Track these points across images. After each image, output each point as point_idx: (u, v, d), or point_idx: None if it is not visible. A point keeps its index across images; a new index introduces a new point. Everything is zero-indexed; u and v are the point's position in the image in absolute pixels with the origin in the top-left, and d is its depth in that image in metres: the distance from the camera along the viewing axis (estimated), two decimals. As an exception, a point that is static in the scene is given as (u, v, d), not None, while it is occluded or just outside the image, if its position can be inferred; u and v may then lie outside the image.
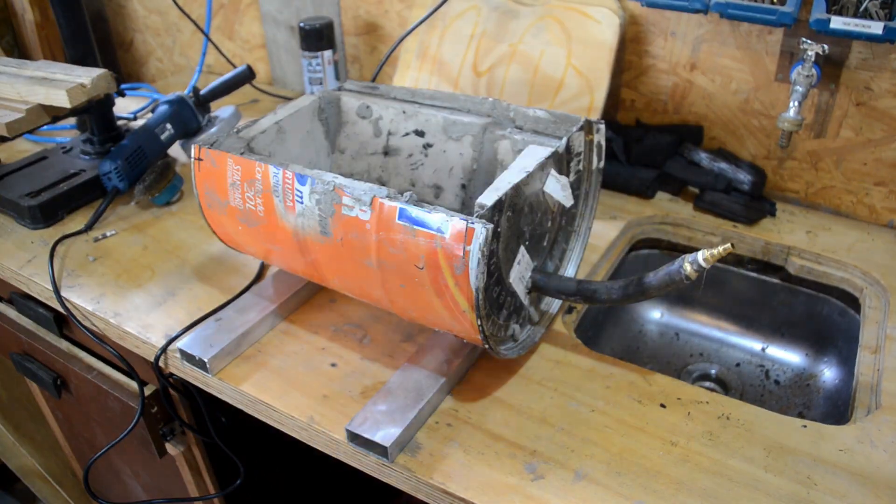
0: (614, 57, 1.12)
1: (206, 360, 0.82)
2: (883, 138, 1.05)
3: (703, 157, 1.16)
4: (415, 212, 0.68)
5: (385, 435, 0.72)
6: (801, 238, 1.08)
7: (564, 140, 0.82)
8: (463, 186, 0.97)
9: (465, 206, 0.97)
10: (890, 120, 1.03)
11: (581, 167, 0.89)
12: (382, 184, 1.00)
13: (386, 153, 1.01)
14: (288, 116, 0.94)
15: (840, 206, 1.13)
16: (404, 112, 0.97)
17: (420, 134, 0.97)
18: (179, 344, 0.85)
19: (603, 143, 0.88)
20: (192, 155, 0.83)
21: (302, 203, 0.75)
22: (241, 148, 0.84)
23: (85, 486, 1.02)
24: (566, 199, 0.80)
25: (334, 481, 1.47)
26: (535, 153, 0.78)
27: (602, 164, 0.90)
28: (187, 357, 0.84)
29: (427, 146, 0.97)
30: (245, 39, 1.67)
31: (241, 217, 0.82)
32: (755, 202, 1.12)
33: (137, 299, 0.96)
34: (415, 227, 0.68)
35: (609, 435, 0.75)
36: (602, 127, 0.86)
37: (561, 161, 0.83)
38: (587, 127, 0.86)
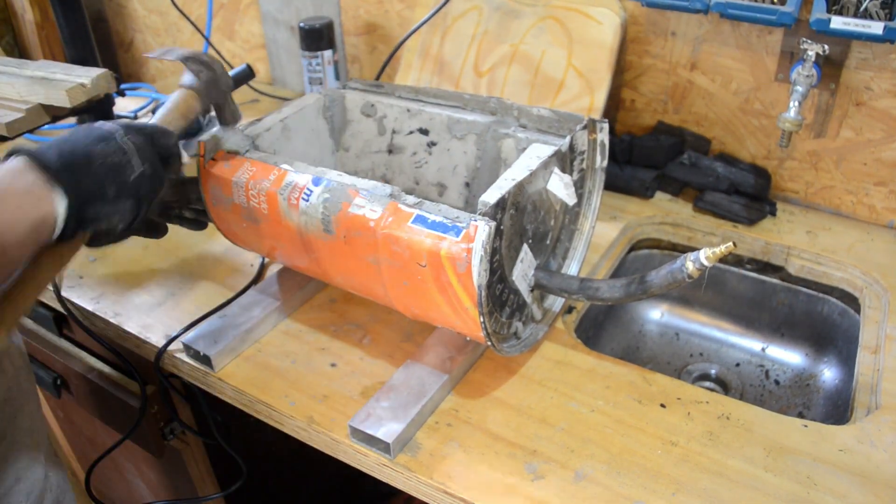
0: (615, 58, 1.12)
1: (210, 356, 0.82)
2: (883, 138, 1.05)
3: (704, 163, 1.16)
4: (431, 217, 0.68)
5: (387, 431, 0.72)
6: (801, 238, 1.08)
7: (568, 139, 0.82)
8: (467, 185, 0.97)
9: (468, 205, 0.97)
10: (890, 120, 1.03)
11: (584, 166, 0.89)
12: (387, 181, 1.00)
13: (390, 151, 1.01)
14: (293, 114, 0.94)
15: (840, 206, 1.13)
16: (408, 110, 0.97)
17: (424, 132, 0.97)
18: (184, 339, 0.85)
19: (606, 142, 0.88)
20: (198, 153, 0.83)
21: (307, 201, 0.75)
22: (247, 146, 0.84)
23: (85, 489, 1.01)
24: (569, 198, 0.80)
25: (335, 481, 1.47)
26: (539, 151, 0.78)
27: (605, 162, 0.90)
28: (192, 353, 0.84)
29: (431, 144, 0.97)
30: (245, 39, 1.67)
31: (245, 215, 0.82)
32: (755, 202, 1.12)
33: (137, 299, 0.96)
34: (425, 228, 0.68)
35: (609, 435, 0.75)
36: (605, 126, 0.86)
37: (564, 160, 0.83)
38: (590, 126, 0.86)
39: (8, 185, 0.54)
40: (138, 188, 0.63)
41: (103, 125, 0.63)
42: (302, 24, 1.33)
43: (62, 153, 0.58)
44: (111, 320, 0.92)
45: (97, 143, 0.60)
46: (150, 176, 0.64)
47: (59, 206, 0.56)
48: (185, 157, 1.27)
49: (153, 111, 1.24)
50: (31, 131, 1.10)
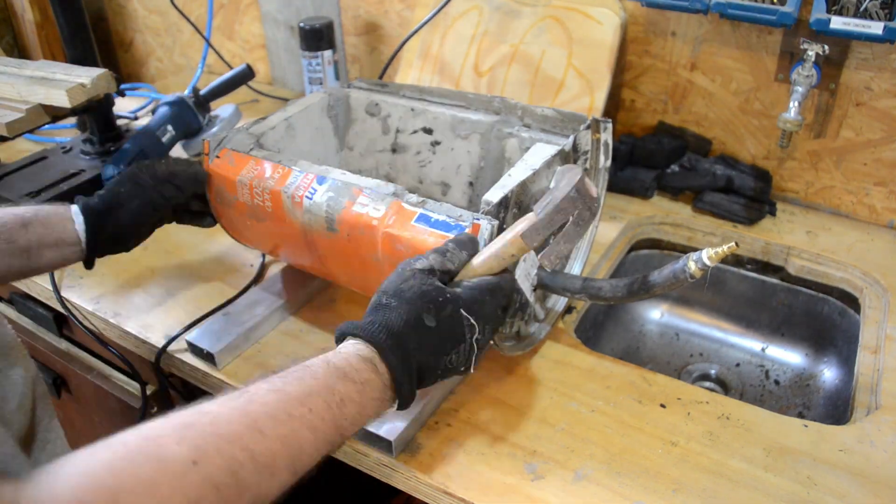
0: (615, 58, 1.12)
1: (214, 353, 0.82)
2: (883, 138, 1.05)
3: (703, 166, 1.16)
4: (434, 216, 0.68)
5: (390, 429, 0.72)
6: (801, 238, 1.08)
7: (571, 138, 0.82)
8: (470, 184, 0.97)
9: (472, 204, 0.97)
10: (890, 120, 1.03)
11: (588, 166, 0.89)
12: (391, 181, 1.00)
13: (394, 150, 1.01)
14: (297, 113, 0.94)
15: (840, 206, 1.13)
16: (413, 110, 0.97)
17: (428, 131, 0.97)
18: (187, 337, 0.85)
19: (610, 141, 0.88)
20: (203, 152, 0.83)
21: (311, 199, 0.75)
22: (251, 144, 0.84)
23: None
24: None
25: (335, 481, 1.47)
26: (542, 151, 0.78)
27: (609, 162, 0.90)
28: (195, 350, 0.84)
29: (435, 144, 0.97)
30: (245, 39, 1.67)
31: (249, 213, 0.82)
32: (755, 202, 1.12)
33: (137, 299, 0.95)
34: (428, 227, 0.68)
35: (609, 435, 0.75)
36: (609, 126, 0.86)
37: (568, 159, 0.83)
38: (594, 125, 0.86)
39: (367, 386, 0.55)
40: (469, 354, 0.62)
41: (431, 287, 0.59)
42: (302, 24, 1.33)
43: (403, 351, 0.56)
44: (111, 320, 0.92)
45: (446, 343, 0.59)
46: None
47: (392, 405, 0.58)
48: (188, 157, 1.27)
49: (153, 111, 1.23)
50: (31, 131, 1.10)
